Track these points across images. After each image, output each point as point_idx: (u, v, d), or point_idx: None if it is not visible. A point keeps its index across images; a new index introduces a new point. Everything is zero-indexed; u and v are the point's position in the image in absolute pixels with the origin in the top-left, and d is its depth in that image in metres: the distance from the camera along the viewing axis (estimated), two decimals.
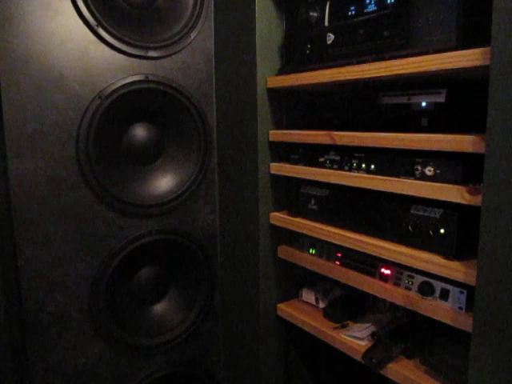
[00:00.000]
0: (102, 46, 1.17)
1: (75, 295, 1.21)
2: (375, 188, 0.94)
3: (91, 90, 1.17)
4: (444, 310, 0.85)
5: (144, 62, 1.23)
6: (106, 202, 1.21)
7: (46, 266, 1.16)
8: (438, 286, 0.87)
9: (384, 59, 0.90)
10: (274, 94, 1.22)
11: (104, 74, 1.18)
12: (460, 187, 0.78)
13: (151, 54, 1.24)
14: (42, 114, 1.12)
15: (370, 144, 0.94)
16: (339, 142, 1.02)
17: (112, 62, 1.19)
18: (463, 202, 0.77)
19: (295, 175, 1.16)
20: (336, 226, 1.08)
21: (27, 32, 1.08)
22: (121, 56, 1.20)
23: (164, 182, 1.32)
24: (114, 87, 1.18)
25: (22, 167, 1.11)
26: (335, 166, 1.05)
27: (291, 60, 1.17)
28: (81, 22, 1.14)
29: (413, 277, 0.92)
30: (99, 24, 1.15)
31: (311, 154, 1.12)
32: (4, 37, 1.05)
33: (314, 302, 1.27)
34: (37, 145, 1.12)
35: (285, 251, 1.27)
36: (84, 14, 1.13)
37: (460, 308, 0.83)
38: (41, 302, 1.17)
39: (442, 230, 0.84)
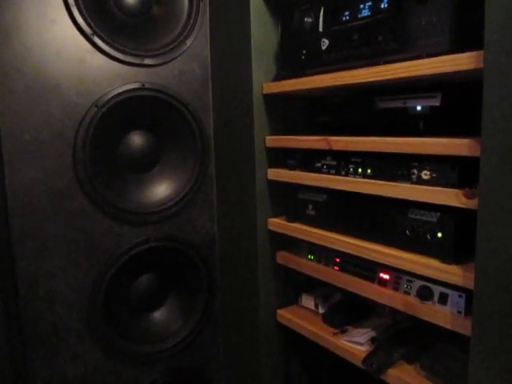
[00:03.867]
0: (98, 54, 1.18)
1: (74, 305, 1.21)
2: (372, 192, 0.94)
3: (87, 98, 1.17)
4: (443, 314, 0.84)
5: (140, 69, 1.24)
6: (104, 211, 1.21)
7: (45, 276, 1.16)
8: (437, 290, 0.87)
9: (379, 64, 0.90)
10: (270, 99, 1.22)
11: (100, 82, 1.18)
12: (456, 191, 0.77)
13: (147, 61, 1.24)
14: (38, 124, 1.12)
15: (367, 148, 0.94)
16: (335, 147, 1.01)
17: (108, 70, 1.19)
18: (460, 205, 0.77)
19: (292, 181, 1.16)
20: (334, 231, 1.07)
21: (23, 42, 1.08)
22: (117, 64, 1.20)
23: (161, 190, 1.32)
24: (110, 95, 1.19)
25: (19, 177, 1.11)
26: (332, 171, 1.05)
27: (287, 66, 1.17)
28: (76, 32, 1.14)
29: (411, 281, 0.92)
30: (95, 33, 1.15)
31: (308, 160, 1.12)
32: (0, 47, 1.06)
33: (313, 308, 1.27)
34: (34, 154, 1.12)
35: (284, 257, 1.26)
36: (79, 23, 1.13)
37: (459, 312, 0.82)
38: (39, 313, 1.16)
39: (440, 234, 0.84)
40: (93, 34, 1.15)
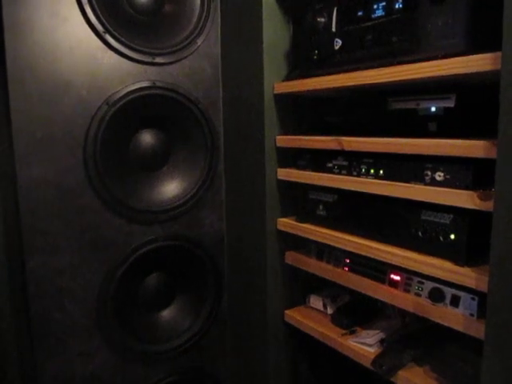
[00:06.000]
0: (110, 52, 1.17)
1: (82, 302, 1.21)
2: (385, 194, 0.93)
3: (99, 96, 1.17)
4: (455, 317, 0.84)
5: (151, 68, 1.24)
6: (113, 209, 1.21)
7: (54, 272, 1.16)
8: (449, 292, 0.86)
9: (392, 64, 0.89)
10: (281, 99, 1.21)
11: (111, 80, 1.18)
12: (471, 192, 0.77)
13: (158, 60, 1.24)
14: (50, 121, 1.12)
15: (380, 150, 0.93)
16: (348, 148, 1.01)
17: (119, 68, 1.19)
18: (474, 207, 0.77)
19: (303, 181, 1.16)
20: (344, 231, 1.07)
21: (35, 39, 1.08)
22: (128, 62, 1.20)
23: (171, 188, 1.32)
24: (121, 93, 1.18)
25: (30, 174, 1.11)
26: (343, 172, 1.05)
27: (298, 65, 1.17)
28: (89, 29, 1.14)
29: (423, 283, 0.92)
30: (107, 31, 1.15)
31: (319, 160, 1.12)
32: (13, 44, 1.06)
33: (321, 308, 1.26)
34: (45, 152, 1.12)
35: (292, 257, 1.26)
36: (92, 21, 1.13)
37: (471, 315, 0.82)
38: (48, 309, 1.16)
39: (453, 236, 0.84)
40: (105, 32, 1.15)
